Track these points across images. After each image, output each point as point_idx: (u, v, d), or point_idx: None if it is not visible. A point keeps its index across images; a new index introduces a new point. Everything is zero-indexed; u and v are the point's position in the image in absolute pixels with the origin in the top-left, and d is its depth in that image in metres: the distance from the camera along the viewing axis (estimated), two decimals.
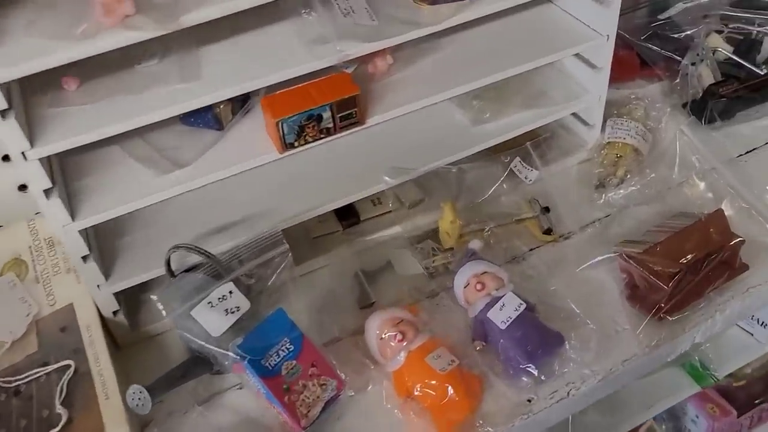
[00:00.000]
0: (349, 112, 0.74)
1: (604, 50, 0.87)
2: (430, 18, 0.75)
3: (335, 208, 0.81)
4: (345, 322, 0.79)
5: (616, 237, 0.84)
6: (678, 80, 1.06)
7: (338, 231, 0.89)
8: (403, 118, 0.81)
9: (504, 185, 0.92)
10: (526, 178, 0.92)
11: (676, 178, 0.90)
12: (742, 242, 0.78)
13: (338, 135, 0.76)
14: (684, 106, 1.03)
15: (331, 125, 0.74)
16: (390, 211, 0.90)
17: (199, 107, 0.69)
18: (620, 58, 1.08)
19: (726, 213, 0.83)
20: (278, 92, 0.72)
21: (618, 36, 1.07)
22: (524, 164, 0.92)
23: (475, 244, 0.82)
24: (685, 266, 0.75)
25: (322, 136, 0.74)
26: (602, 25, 0.85)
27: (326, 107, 0.72)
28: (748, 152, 0.98)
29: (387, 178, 0.83)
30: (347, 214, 0.90)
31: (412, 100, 0.80)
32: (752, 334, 1.12)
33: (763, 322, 1.09)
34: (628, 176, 0.91)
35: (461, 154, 0.87)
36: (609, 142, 0.95)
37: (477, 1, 0.76)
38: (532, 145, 0.93)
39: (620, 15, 1.04)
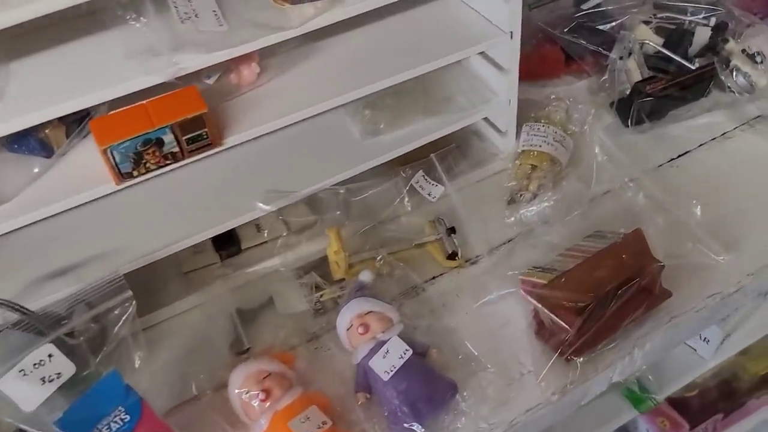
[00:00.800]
0: (198, 134, 0.63)
1: (508, 49, 0.77)
2: (293, 20, 0.64)
3: (197, 242, 0.70)
4: (214, 374, 0.68)
5: (525, 262, 0.74)
6: (606, 76, 0.96)
7: (215, 263, 0.79)
8: (284, 131, 0.71)
9: (406, 204, 0.82)
10: (429, 194, 0.82)
11: (593, 191, 0.80)
12: (662, 267, 0.69)
13: (189, 160, 0.65)
14: (612, 105, 0.93)
15: (176, 150, 0.63)
16: (276, 238, 0.79)
17: (9, 132, 0.58)
18: (544, 53, 0.99)
19: (649, 231, 0.73)
20: (110, 113, 0.61)
21: (539, 29, 0.98)
22: (428, 179, 0.82)
23: (366, 276, 0.72)
24: (595, 299, 0.65)
25: (167, 162, 0.63)
26: (505, 21, 0.75)
27: (166, 129, 0.61)
28: (680, 156, 0.88)
29: (261, 204, 0.72)
30: (226, 243, 0.79)
31: (284, 113, 0.69)
32: (696, 350, 1.04)
33: (706, 338, 1.00)
34: (542, 190, 0.81)
35: (351, 172, 0.77)
36: (523, 151, 0.84)
37: None
38: (438, 156, 0.83)
39: (541, 5, 0.95)
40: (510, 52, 0.77)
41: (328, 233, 0.73)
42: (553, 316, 0.64)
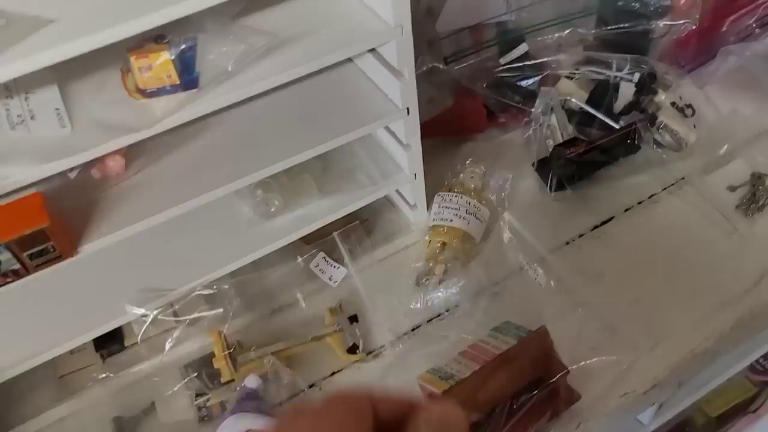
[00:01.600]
0: (43, 248, 0.56)
1: (407, 125, 0.71)
2: (148, 117, 0.57)
3: (48, 359, 0.64)
4: None
5: (429, 355, 0.69)
6: (530, 132, 0.91)
7: (94, 364, 0.72)
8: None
9: (306, 289, 0.76)
10: (330, 278, 0.76)
11: (503, 275, 0.74)
12: (567, 373, 0.63)
13: (35, 274, 0.58)
14: (534, 165, 0.88)
15: (17, 266, 0.56)
16: (164, 332, 0.73)
17: None
18: (464, 108, 0.94)
19: (557, 322, 0.68)
20: None
21: (458, 84, 0.92)
22: (329, 260, 0.76)
23: (252, 382, 0.66)
24: (492, 412, 0.59)
25: (8, 280, 0.57)
26: (400, 97, 0.69)
27: (0, 247, 0.54)
28: (604, 223, 0.83)
29: (131, 308, 0.66)
30: (108, 340, 0.72)
31: (157, 210, 0.63)
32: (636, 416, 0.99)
33: None
34: (447, 275, 0.75)
35: (240, 262, 0.71)
36: (434, 226, 0.79)
37: (214, 88, 0.59)
38: (341, 235, 0.77)
39: (459, 59, 0.90)
40: (409, 128, 0.71)
41: (209, 335, 0.67)
42: None
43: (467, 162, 0.84)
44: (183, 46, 0.57)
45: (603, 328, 0.70)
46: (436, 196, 0.81)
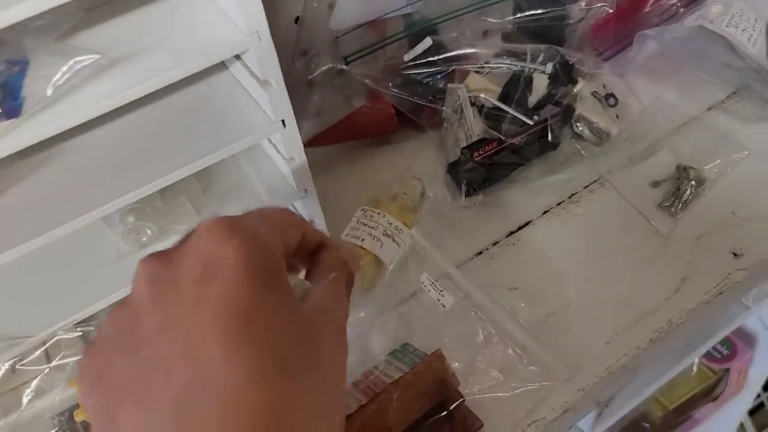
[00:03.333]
0: None
1: (285, 139, 0.64)
2: None
3: None
4: None
5: None
6: (443, 133, 0.85)
7: None
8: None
9: None
10: None
11: (405, 294, 0.68)
12: (462, 401, 0.58)
13: None
14: (446, 169, 0.82)
15: None
16: (32, 379, 0.66)
17: None
18: (371, 110, 0.87)
19: (457, 344, 0.62)
20: None
21: (365, 84, 0.86)
22: None
23: None
24: None
25: None
26: (273, 109, 0.62)
27: None
28: (520, 228, 0.77)
29: None
30: None
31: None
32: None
33: None
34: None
35: (108, 299, 0.64)
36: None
37: (35, 116, 0.52)
38: None
39: (359, 57, 0.83)
40: (288, 141, 0.65)
41: (70, 385, 0.61)
42: None
43: (406, 175, 0.78)
44: None
45: (512, 348, 0.64)
46: (359, 210, 0.74)
